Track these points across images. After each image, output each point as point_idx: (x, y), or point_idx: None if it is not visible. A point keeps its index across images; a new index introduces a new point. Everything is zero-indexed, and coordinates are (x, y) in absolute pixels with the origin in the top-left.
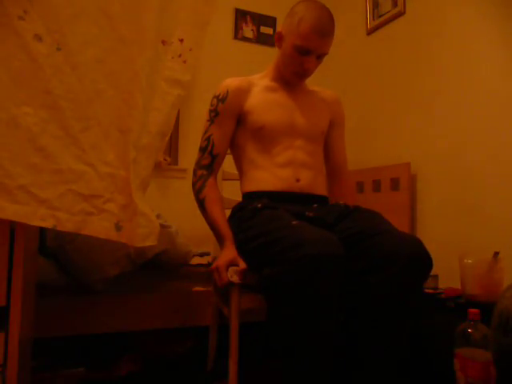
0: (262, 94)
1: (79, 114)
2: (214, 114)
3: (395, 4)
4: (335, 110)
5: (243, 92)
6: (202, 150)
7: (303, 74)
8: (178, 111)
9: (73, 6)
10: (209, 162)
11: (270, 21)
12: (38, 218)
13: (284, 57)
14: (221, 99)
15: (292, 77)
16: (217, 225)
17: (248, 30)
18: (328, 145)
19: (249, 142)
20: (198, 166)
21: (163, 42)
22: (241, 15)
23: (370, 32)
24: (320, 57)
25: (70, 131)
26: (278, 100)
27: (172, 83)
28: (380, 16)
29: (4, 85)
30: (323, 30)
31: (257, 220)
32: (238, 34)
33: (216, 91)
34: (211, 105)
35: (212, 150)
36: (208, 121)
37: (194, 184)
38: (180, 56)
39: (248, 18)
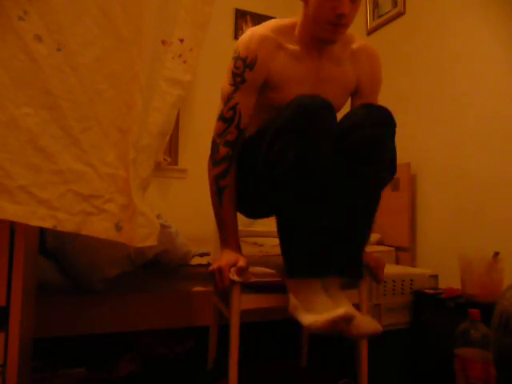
0: (286, 65)
1: (79, 114)
2: (241, 80)
3: (395, 4)
4: (364, 78)
5: (271, 57)
6: (227, 120)
7: (338, 23)
8: (178, 111)
9: (73, 6)
10: (235, 137)
11: None
12: (38, 218)
13: (311, 7)
14: (248, 65)
15: (326, 33)
16: (228, 225)
17: None
18: None
19: (258, 112)
20: (223, 140)
21: (163, 42)
22: (241, 15)
23: (369, 32)
24: None
25: (70, 131)
26: (301, 74)
27: (172, 83)
28: (380, 16)
29: (4, 85)
30: None
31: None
32: (237, 34)
33: (240, 50)
34: (235, 67)
35: (239, 123)
36: (232, 85)
37: (214, 161)
38: (180, 56)
39: (248, 18)
